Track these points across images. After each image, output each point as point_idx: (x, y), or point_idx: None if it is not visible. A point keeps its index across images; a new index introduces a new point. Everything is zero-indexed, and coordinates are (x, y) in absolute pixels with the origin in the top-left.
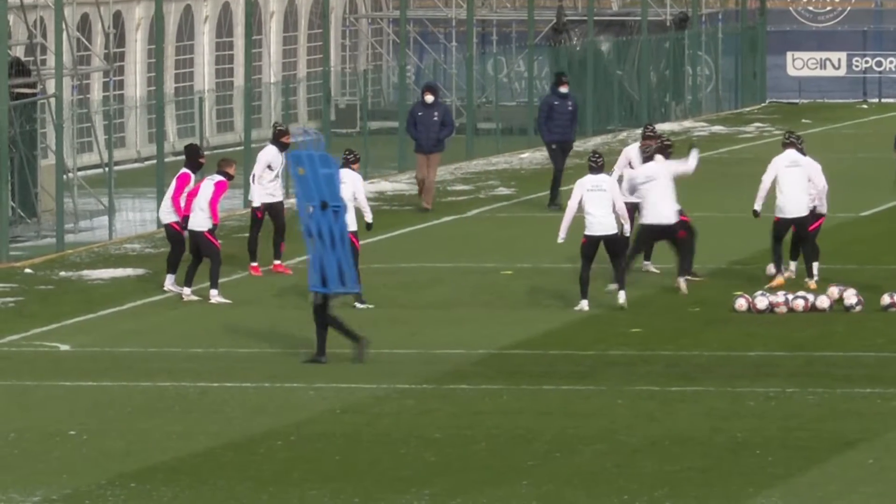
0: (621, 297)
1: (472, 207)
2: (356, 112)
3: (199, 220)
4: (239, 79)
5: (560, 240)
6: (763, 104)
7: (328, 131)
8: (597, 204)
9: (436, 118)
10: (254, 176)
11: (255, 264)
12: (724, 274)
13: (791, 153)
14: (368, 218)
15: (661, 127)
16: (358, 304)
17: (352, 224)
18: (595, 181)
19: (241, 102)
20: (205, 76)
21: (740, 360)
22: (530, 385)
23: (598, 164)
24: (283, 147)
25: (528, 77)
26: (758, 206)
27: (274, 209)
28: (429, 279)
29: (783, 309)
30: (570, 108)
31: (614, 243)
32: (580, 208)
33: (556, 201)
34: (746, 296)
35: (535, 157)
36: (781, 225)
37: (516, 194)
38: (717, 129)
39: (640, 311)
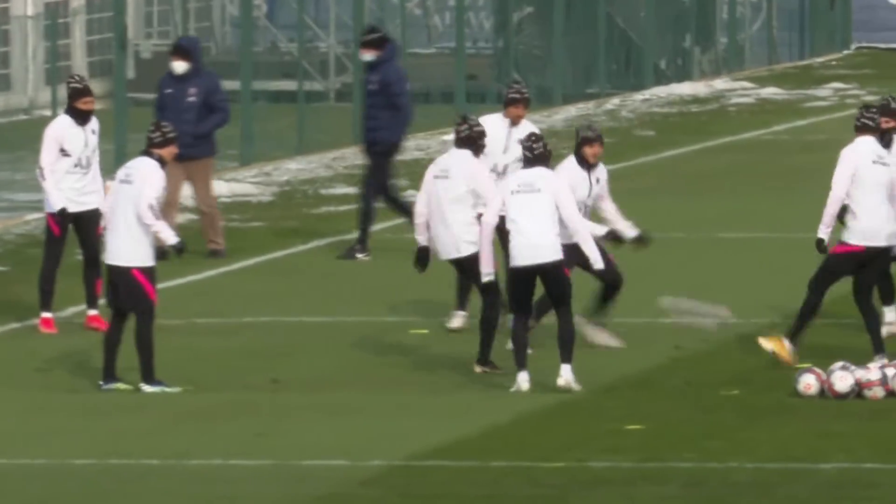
0: (565, 373)
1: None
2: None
3: None
4: None
5: (489, 277)
6: (847, 51)
7: (123, 95)
8: (526, 214)
9: (192, 99)
10: (41, 170)
11: (47, 315)
12: (780, 333)
13: (872, 142)
14: (171, 239)
15: (680, 89)
16: (145, 387)
17: (138, 255)
18: (525, 179)
19: None
20: None
21: (808, 475)
22: None
23: (536, 152)
24: (82, 117)
25: (455, 7)
26: (824, 234)
27: (83, 222)
28: (289, 343)
29: (878, 391)
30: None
31: (555, 279)
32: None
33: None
34: (817, 370)
35: None
36: (847, 260)
37: None
38: (771, 92)
39: (643, 393)
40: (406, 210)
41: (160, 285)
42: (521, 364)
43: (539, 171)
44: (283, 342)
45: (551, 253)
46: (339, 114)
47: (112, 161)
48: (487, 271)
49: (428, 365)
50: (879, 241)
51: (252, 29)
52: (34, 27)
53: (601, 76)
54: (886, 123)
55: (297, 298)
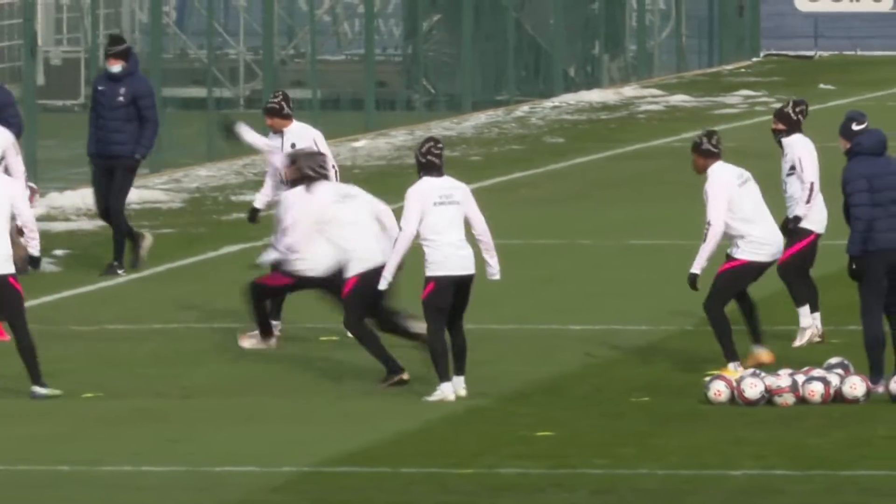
0: (458, 384)
1: (272, 230)
2: (80, 72)
3: None
4: None
5: (384, 285)
6: (756, 59)
7: (33, 102)
8: (449, 225)
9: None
10: None
11: None
12: (690, 340)
13: (727, 166)
14: (36, 250)
15: (589, 96)
16: (37, 390)
17: (10, 263)
18: (443, 188)
19: None
20: None
21: (718, 482)
22: None
23: (441, 159)
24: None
25: (364, 14)
26: (699, 269)
27: None
28: (199, 349)
29: (788, 398)
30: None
31: (468, 291)
32: (418, 234)
33: None
34: (727, 377)
35: (378, 146)
36: (745, 274)
37: None
38: (680, 100)
39: (553, 400)
40: (126, 234)
41: (73, 291)
42: (446, 374)
43: (455, 182)
44: (192, 349)
45: (472, 264)
46: (249, 120)
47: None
48: (390, 281)
49: (338, 371)
50: (767, 257)
51: (161, 36)
52: None
53: (510, 83)
54: (777, 126)
55: (207, 305)
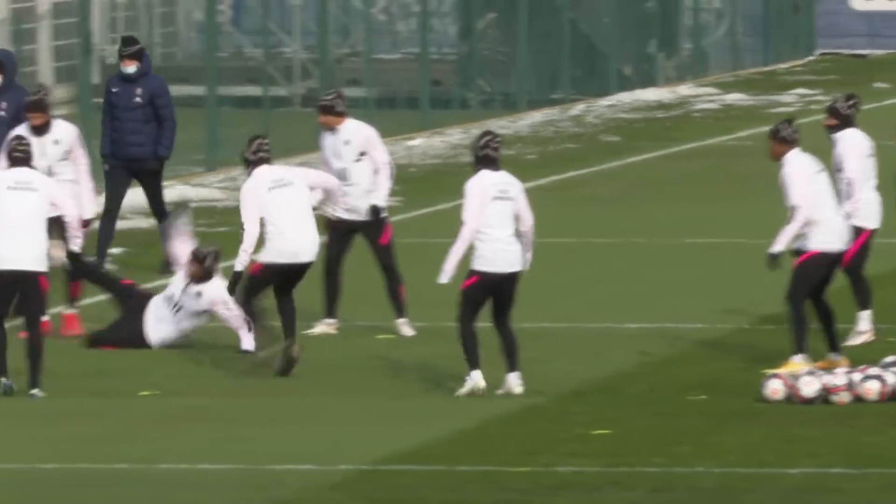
0: (513, 381)
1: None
2: None
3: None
4: None
5: (445, 279)
6: (810, 57)
7: (88, 101)
8: (502, 221)
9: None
10: None
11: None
12: (746, 338)
13: (803, 154)
14: (74, 245)
15: (645, 95)
16: (35, 392)
17: (44, 261)
18: (501, 183)
19: None
20: None
21: (775, 480)
22: None
23: (498, 152)
24: (36, 128)
25: (420, 14)
26: (781, 248)
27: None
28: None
29: (845, 396)
30: None
31: (515, 288)
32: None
33: None
34: (783, 375)
35: (433, 144)
36: (819, 264)
37: (402, 206)
38: (735, 98)
39: (609, 398)
40: (103, 254)
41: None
42: (476, 362)
43: (511, 178)
44: None
45: (519, 261)
46: (304, 119)
47: None
48: (451, 275)
49: (395, 370)
50: (837, 246)
51: (217, 34)
52: (0, 32)
53: (566, 82)
54: (828, 121)
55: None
